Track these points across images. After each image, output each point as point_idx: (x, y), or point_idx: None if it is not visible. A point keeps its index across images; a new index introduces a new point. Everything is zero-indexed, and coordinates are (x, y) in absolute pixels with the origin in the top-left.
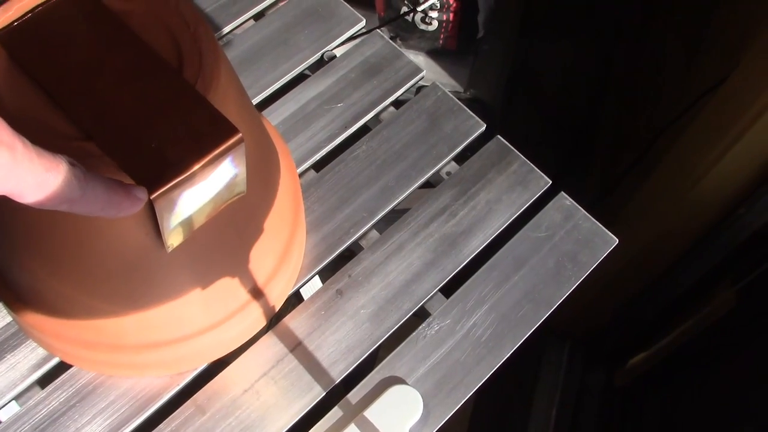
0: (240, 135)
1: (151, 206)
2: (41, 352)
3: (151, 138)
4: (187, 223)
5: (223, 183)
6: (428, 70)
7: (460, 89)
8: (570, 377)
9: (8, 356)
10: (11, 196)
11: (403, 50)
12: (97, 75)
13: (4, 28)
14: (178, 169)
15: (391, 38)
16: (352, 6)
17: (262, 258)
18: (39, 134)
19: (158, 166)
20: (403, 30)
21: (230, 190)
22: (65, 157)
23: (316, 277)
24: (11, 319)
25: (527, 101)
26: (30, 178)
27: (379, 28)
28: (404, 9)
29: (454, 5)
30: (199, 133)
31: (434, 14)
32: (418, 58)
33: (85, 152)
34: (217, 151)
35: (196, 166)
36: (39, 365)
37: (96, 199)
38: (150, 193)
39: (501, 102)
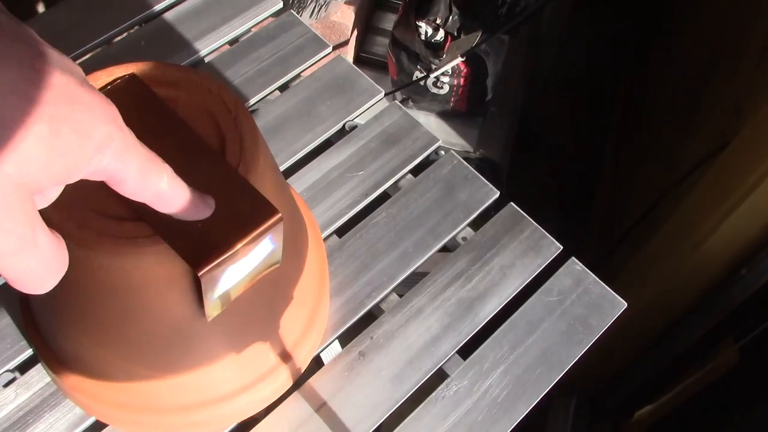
0: (279, 215)
1: (195, 280)
2: (78, 411)
3: None
4: (226, 295)
5: (262, 258)
6: (439, 131)
7: (470, 149)
8: (577, 431)
9: (47, 415)
10: (113, 181)
11: (415, 112)
12: None
13: None
14: (223, 248)
15: (404, 101)
16: (366, 71)
17: (291, 323)
18: (93, 214)
19: (204, 245)
20: (416, 93)
21: (267, 263)
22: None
23: (336, 341)
24: (50, 379)
25: (533, 160)
26: (135, 163)
27: (393, 92)
28: (417, 75)
29: (465, 71)
30: (242, 214)
31: (446, 79)
32: (429, 120)
33: (136, 232)
34: (258, 231)
35: (239, 245)
36: (76, 424)
37: (178, 197)
38: (197, 270)
39: (508, 161)
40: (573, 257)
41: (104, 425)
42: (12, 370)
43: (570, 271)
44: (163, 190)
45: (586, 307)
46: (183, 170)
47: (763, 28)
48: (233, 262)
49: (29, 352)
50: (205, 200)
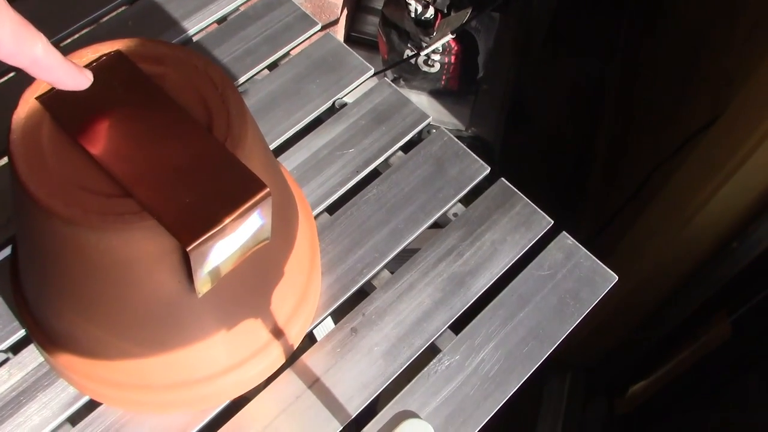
0: (267, 190)
1: (185, 256)
2: (72, 391)
3: (186, 194)
4: (216, 271)
5: (251, 233)
6: (431, 110)
7: (462, 127)
8: (572, 406)
9: (40, 395)
10: None
11: (406, 90)
12: (134, 135)
13: (47, 92)
14: (211, 222)
15: (395, 80)
16: (357, 50)
17: (282, 299)
18: (80, 191)
19: (193, 220)
20: (407, 72)
21: (256, 239)
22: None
23: (329, 318)
24: (43, 359)
25: (524, 138)
26: (8, 27)
27: (383, 71)
28: (408, 53)
29: (456, 48)
30: (230, 189)
31: (436, 57)
32: (421, 98)
33: (125, 208)
34: (246, 206)
35: (227, 220)
36: (70, 404)
37: (54, 65)
38: (185, 245)
39: (500, 139)
40: (564, 231)
41: (98, 404)
42: (5, 351)
43: (561, 246)
44: (39, 55)
45: (577, 281)
46: (170, 146)
47: (754, 3)
48: (222, 237)
49: (22, 332)
50: (83, 71)
